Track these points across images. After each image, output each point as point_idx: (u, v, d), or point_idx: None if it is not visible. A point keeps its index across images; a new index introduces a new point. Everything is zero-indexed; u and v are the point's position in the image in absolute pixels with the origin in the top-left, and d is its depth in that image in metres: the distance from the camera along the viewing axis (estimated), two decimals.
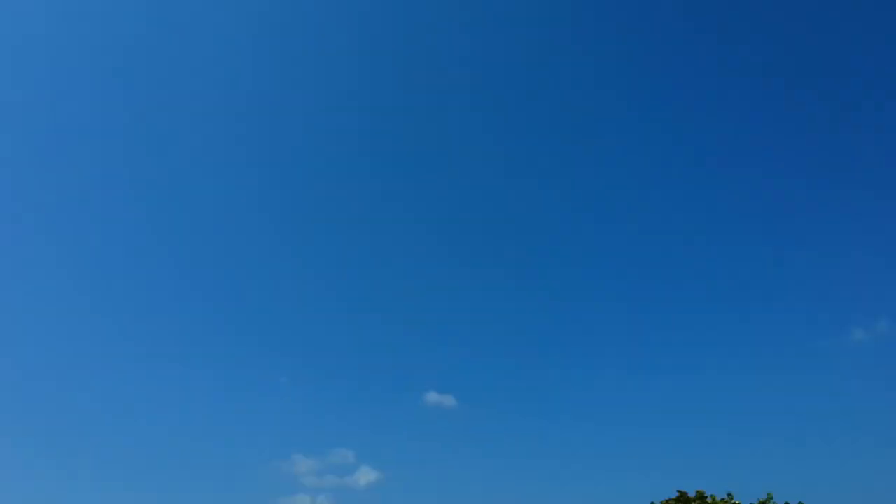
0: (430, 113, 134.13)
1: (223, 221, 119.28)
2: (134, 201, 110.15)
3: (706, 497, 11.40)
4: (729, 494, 11.55)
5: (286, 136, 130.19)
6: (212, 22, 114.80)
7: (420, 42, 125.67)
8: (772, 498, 11.10)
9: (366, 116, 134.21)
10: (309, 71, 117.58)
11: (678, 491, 11.79)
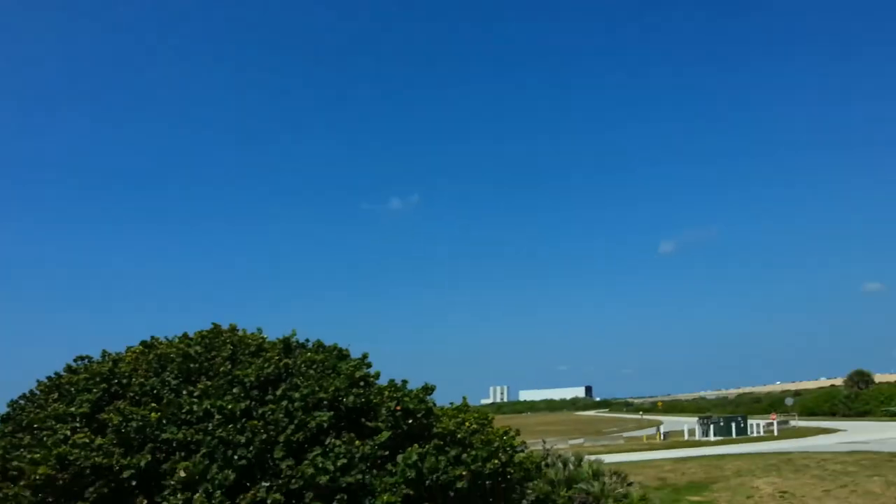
0: None
1: None
2: None
3: (237, 330, 12.97)
4: (258, 329, 13.17)
5: None
6: None
7: None
8: (295, 334, 13.10)
9: None
10: None
11: (213, 324, 13.10)
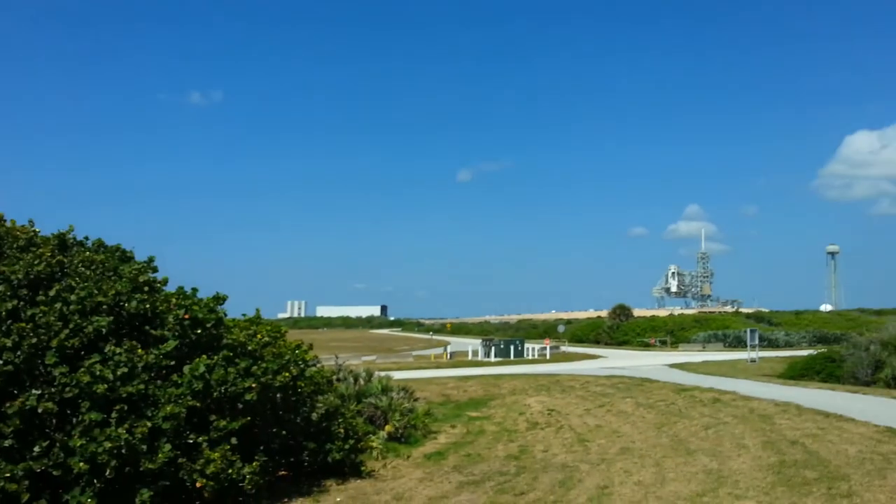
0: None
1: None
2: None
3: (5, 221, 11.95)
4: (30, 221, 12.22)
5: None
6: None
7: None
8: (72, 230, 12.33)
9: None
10: None
11: None
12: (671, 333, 72.47)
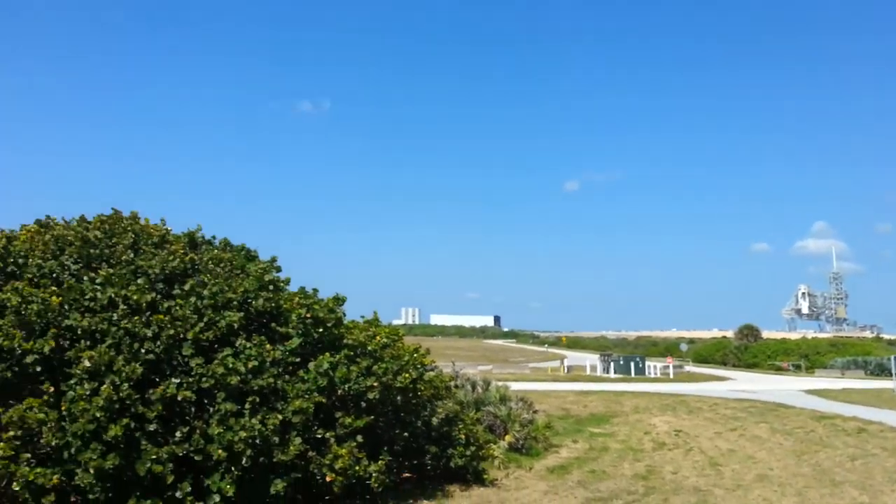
0: None
1: None
2: None
3: (139, 219, 12.42)
4: (162, 220, 12.62)
5: None
6: None
7: None
8: (200, 229, 12.67)
9: None
10: None
11: (113, 209, 12.46)
12: (805, 358, 67.86)
